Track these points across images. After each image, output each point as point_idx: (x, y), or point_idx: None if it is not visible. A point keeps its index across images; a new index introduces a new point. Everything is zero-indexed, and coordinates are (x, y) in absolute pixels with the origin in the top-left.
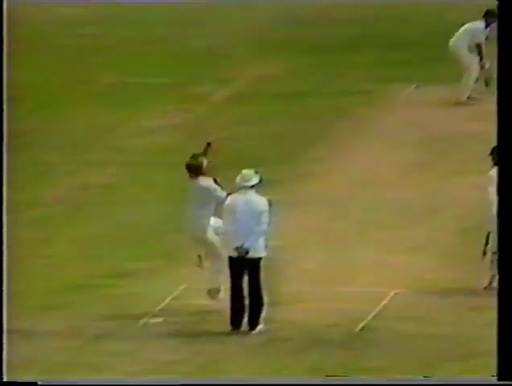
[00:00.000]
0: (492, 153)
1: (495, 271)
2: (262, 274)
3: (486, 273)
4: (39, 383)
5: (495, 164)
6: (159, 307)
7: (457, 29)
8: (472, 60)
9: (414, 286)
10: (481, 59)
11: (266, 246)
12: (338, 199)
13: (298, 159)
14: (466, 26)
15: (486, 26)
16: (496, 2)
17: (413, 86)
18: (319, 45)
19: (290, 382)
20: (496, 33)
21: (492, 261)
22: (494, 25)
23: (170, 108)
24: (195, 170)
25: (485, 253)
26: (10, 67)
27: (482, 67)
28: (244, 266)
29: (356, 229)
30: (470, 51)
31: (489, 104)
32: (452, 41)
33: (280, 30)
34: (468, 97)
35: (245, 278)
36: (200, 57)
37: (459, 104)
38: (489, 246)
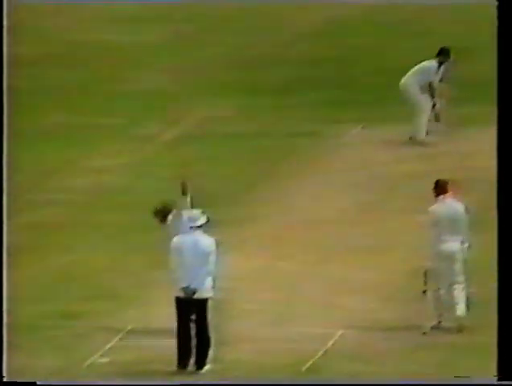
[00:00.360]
0: (435, 187)
1: (442, 309)
2: (210, 314)
3: (431, 313)
4: (38, 383)
5: (437, 195)
6: (106, 347)
7: (405, 69)
8: (425, 99)
9: (360, 326)
10: (433, 97)
11: (213, 286)
12: (285, 239)
13: (245, 200)
14: (419, 65)
15: (439, 66)
16: (496, 3)
17: (360, 126)
18: (266, 86)
19: (290, 382)
20: (449, 73)
21: (436, 299)
22: (447, 64)
23: (118, 148)
24: (162, 215)
25: (424, 292)
26: None
27: (433, 107)
28: (191, 306)
29: (302, 270)
30: (422, 90)
31: (436, 145)
32: (403, 80)
33: (228, 70)
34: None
35: (193, 318)
36: (149, 97)
37: (404, 144)
38: (429, 284)
